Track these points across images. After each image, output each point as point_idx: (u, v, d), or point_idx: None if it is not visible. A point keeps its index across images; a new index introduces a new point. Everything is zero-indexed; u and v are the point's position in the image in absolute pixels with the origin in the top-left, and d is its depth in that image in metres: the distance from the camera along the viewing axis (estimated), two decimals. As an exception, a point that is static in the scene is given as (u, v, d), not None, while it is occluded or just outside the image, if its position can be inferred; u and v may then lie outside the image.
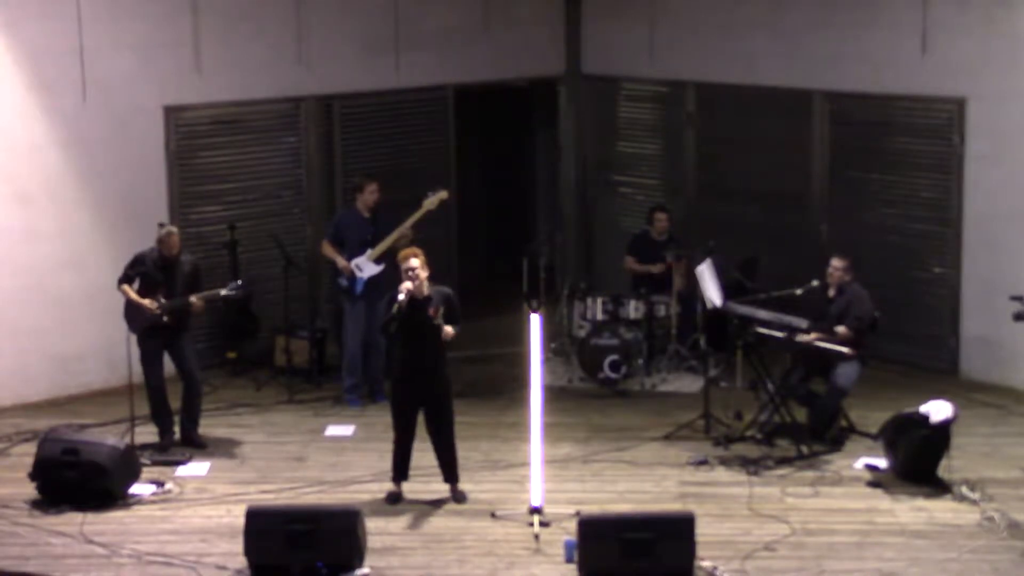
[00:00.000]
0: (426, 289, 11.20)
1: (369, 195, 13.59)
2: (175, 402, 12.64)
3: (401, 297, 11.10)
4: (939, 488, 11.43)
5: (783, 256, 15.05)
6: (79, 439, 11.58)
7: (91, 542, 10.66)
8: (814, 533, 10.74)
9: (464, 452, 11.74)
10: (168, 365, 12.62)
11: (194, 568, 10.23)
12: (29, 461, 11.55)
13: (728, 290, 13.31)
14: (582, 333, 14.43)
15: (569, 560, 10.22)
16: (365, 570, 10.15)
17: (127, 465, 11.49)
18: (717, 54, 15.65)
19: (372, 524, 10.66)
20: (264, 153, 14.97)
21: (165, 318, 12.33)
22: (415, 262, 11.21)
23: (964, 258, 14.07)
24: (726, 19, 15.55)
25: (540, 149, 18.06)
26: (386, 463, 11.48)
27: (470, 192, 16.72)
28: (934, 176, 14.21)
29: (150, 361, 12.47)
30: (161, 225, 12.63)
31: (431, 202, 13.47)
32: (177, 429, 12.63)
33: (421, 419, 11.39)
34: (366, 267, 13.49)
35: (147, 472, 11.82)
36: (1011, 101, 13.54)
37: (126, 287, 12.43)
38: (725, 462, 12.09)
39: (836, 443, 12.41)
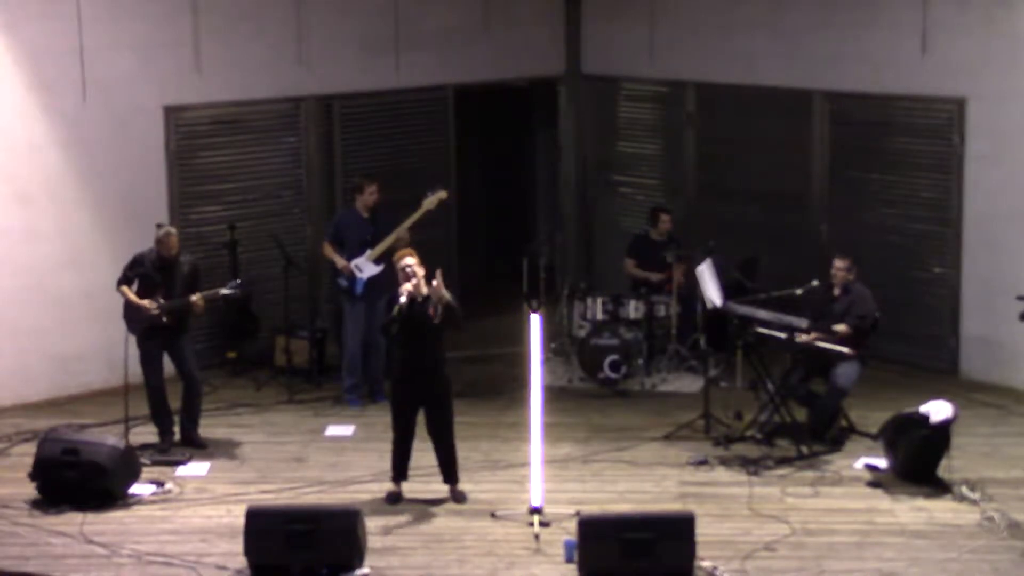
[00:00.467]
0: (424, 288, 11.21)
1: (369, 196, 13.59)
2: (175, 402, 12.64)
3: (403, 299, 11.11)
4: (939, 488, 11.43)
5: (783, 256, 15.05)
6: (79, 439, 11.57)
7: (91, 542, 10.66)
8: (814, 533, 10.74)
9: (464, 452, 11.75)
10: (168, 366, 12.62)
11: (194, 568, 10.23)
12: (29, 461, 11.55)
13: (728, 290, 13.31)
14: (582, 333, 14.43)
15: (569, 560, 10.22)
16: (365, 570, 10.15)
17: (127, 465, 11.49)
18: (717, 54, 15.65)
19: (372, 524, 10.66)
20: (264, 153, 14.97)
21: (164, 319, 12.33)
22: (411, 260, 11.23)
23: (964, 258, 14.07)
24: (726, 19, 15.56)
25: (540, 149, 18.06)
26: (386, 463, 11.48)
27: (470, 192, 16.73)
28: (934, 176, 14.22)
29: (150, 362, 12.46)
30: (159, 226, 12.62)
31: (430, 202, 13.47)
32: (177, 429, 12.63)
33: (421, 419, 11.39)
34: (366, 267, 13.50)
35: (147, 472, 11.82)
36: (1011, 101, 13.54)
37: (125, 288, 12.43)
38: (725, 462, 12.09)
39: (836, 443, 12.41)
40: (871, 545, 10.53)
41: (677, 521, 10.09)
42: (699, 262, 13.26)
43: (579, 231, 17.32)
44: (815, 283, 12.75)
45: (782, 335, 12.49)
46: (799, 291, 12.84)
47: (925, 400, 11.72)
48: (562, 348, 14.92)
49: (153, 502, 11.41)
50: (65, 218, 13.85)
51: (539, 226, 17.93)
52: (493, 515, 11.05)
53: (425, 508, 11.26)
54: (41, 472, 11.38)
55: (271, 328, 14.76)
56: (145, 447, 12.31)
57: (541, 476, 10.95)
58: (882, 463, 11.87)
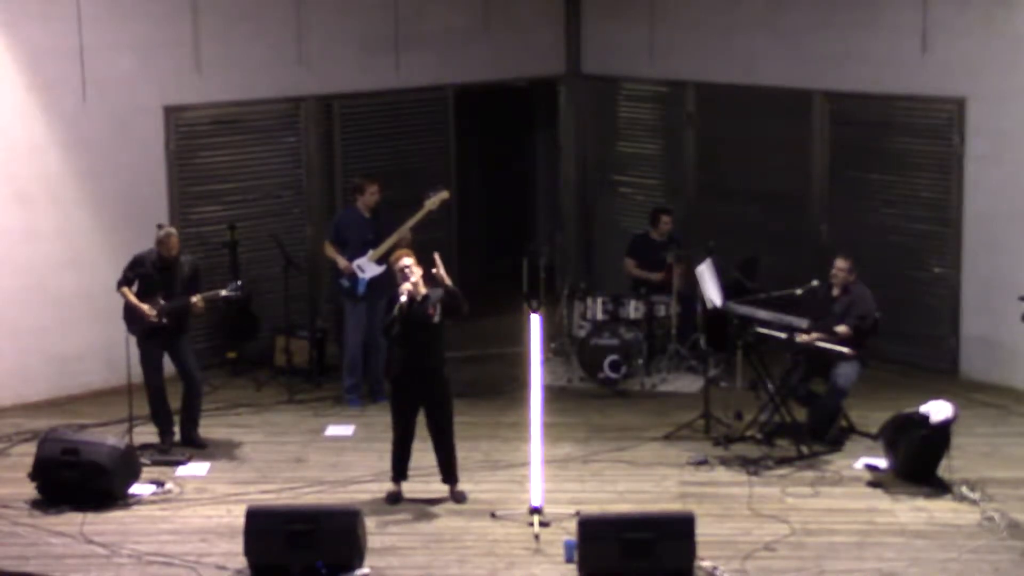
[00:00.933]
0: (423, 288, 11.21)
1: (370, 196, 13.59)
2: (175, 403, 12.64)
3: (403, 299, 11.11)
4: (939, 488, 11.43)
5: (783, 256, 15.05)
6: (79, 439, 11.58)
7: (91, 542, 10.66)
8: (814, 533, 10.74)
9: (464, 452, 11.75)
10: (168, 366, 12.62)
11: (194, 568, 10.23)
12: (29, 461, 11.55)
13: (728, 290, 13.31)
14: (582, 333, 14.43)
15: (569, 560, 10.22)
16: (365, 570, 10.15)
17: (127, 465, 11.49)
18: (717, 54, 15.65)
19: (372, 524, 10.66)
20: (264, 153, 14.97)
21: (164, 320, 12.33)
22: (408, 260, 11.25)
23: (964, 258, 14.07)
24: (726, 19, 15.55)
25: (540, 149, 18.07)
26: (386, 463, 11.48)
27: (470, 192, 16.72)
28: (934, 176, 14.21)
29: (150, 362, 12.46)
30: (160, 226, 12.62)
31: (432, 202, 13.47)
32: (177, 429, 12.63)
33: (421, 419, 11.39)
34: (368, 268, 13.49)
35: (147, 472, 11.82)
36: (1011, 101, 13.54)
37: (125, 289, 12.42)
38: (725, 462, 12.09)
39: (836, 443, 12.41)
40: (871, 545, 10.53)
41: (677, 521, 10.09)
42: (699, 262, 13.26)
43: (579, 231, 17.31)
44: (815, 283, 12.75)
45: (782, 335, 12.49)
46: (799, 291, 12.84)
47: (925, 400, 11.72)
48: (562, 348, 14.92)
49: (153, 502, 11.41)
50: (65, 218, 13.85)
51: (539, 226, 17.93)
52: (493, 515, 11.05)
53: (425, 508, 11.26)
54: (41, 472, 11.38)
55: (271, 328, 14.76)
56: (145, 447, 12.31)
57: (541, 476, 10.95)
58: (882, 463, 11.87)
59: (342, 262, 13.53)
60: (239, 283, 12.83)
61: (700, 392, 13.27)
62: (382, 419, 12.29)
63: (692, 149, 16.16)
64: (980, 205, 13.90)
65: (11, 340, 13.63)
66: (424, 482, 11.51)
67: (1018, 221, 13.62)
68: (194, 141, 14.51)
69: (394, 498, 11.37)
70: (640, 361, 14.18)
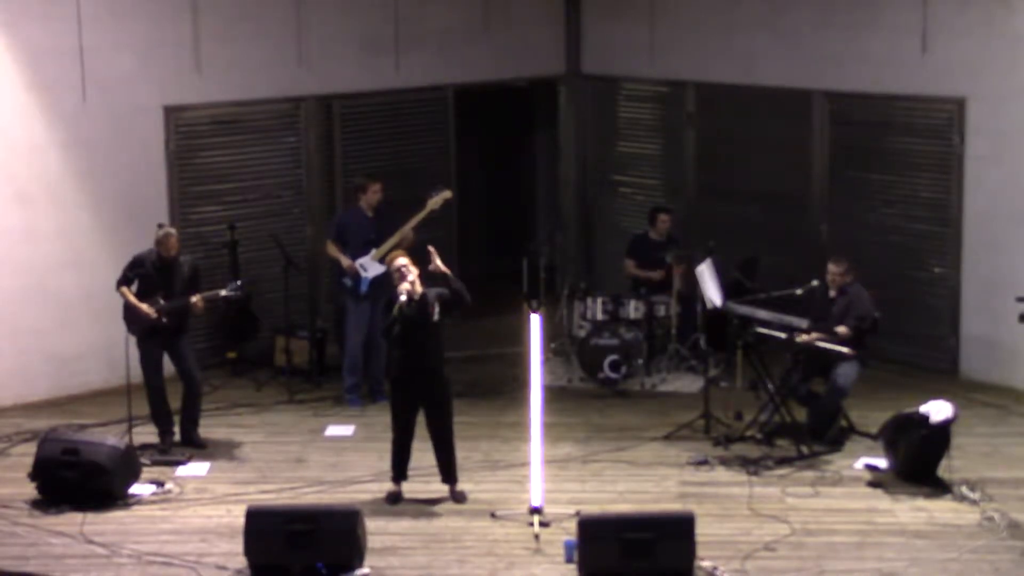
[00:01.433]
0: (420, 287, 11.22)
1: (372, 195, 13.59)
2: (175, 403, 12.64)
3: (402, 299, 11.11)
4: (939, 488, 11.43)
5: (783, 256, 15.05)
6: (79, 439, 11.58)
7: (91, 542, 10.66)
8: (814, 533, 10.74)
9: (464, 452, 11.75)
10: (168, 366, 12.62)
11: (194, 568, 10.23)
12: (29, 461, 11.54)
13: (728, 290, 13.31)
14: (582, 333, 14.43)
15: (569, 560, 10.22)
16: (365, 570, 10.15)
17: (127, 465, 11.49)
18: (717, 54, 15.65)
19: (372, 524, 10.65)
20: (264, 153, 14.97)
21: (164, 319, 12.33)
22: (404, 260, 11.25)
23: (964, 258, 14.06)
24: (726, 19, 15.56)
25: (540, 149, 18.07)
26: (386, 463, 11.47)
27: (470, 192, 16.72)
28: (934, 176, 14.21)
29: (150, 362, 12.46)
30: (160, 226, 12.62)
31: (435, 202, 13.47)
32: (177, 430, 12.63)
33: (421, 419, 11.39)
34: (370, 267, 13.49)
35: (147, 472, 11.82)
36: (1011, 101, 13.54)
37: (124, 289, 12.42)
38: (725, 462, 12.08)
39: (836, 443, 12.41)
40: (871, 545, 10.53)
41: (677, 521, 10.08)
42: (699, 262, 13.26)
43: (579, 231, 17.32)
44: (815, 283, 12.75)
45: (782, 335, 12.49)
46: (799, 291, 12.84)
47: (925, 400, 11.72)
48: (562, 348, 14.92)
49: (153, 502, 11.41)
50: (65, 218, 13.85)
51: (539, 226, 17.93)
52: (493, 515, 11.05)
53: (425, 508, 11.26)
54: (41, 472, 11.38)
55: (271, 328, 14.76)
56: (145, 447, 12.31)
57: (541, 476, 10.95)
58: (882, 463, 11.87)
59: (345, 261, 13.53)
60: (239, 283, 12.83)
61: (700, 392, 13.27)
62: (382, 419, 12.28)
63: (692, 149, 16.17)
64: (980, 205, 13.90)
65: (11, 340, 13.63)
66: (424, 482, 11.51)
67: (1018, 221, 13.62)
68: (194, 141, 14.51)
69: (394, 498, 11.37)
70: (640, 361, 14.18)
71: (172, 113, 14.32)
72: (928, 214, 14.28)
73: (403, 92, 15.71)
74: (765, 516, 11.04)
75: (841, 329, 12.39)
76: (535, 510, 10.88)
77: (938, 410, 11.49)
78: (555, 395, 13.64)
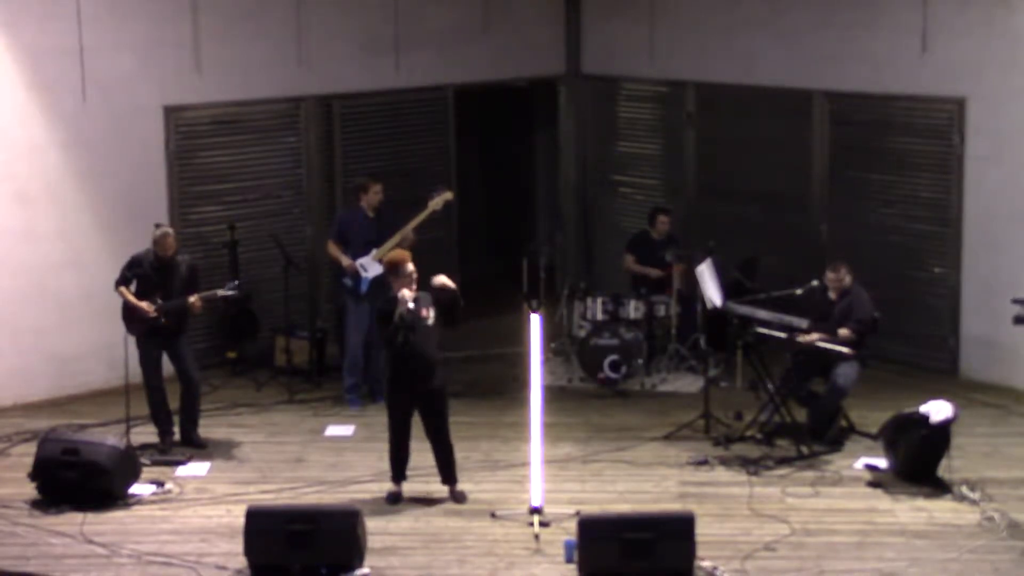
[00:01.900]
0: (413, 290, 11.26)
1: (373, 195, 13.59)
2: (174, 403, 12.64)
3: (411, 305, 11.09)
4: (939, 488, 11.43)
5: (783, 256, 15.05)
6: (79, 439, 11.58)
7: (91, 542, 10.66)
8: (814, 533, 10.74)
9: (464, 452, 11.75)
10: (168, 366, 12.61)
11: (194, 568, 10.23)
12: (29, 461, 11.54)
13: (728, 290, 13.31)
14: (582, 333, 14.43)
15: (569, 560, 10.22)
16: (365, 570, 10.15)
17: (127, 465, 11.49)
18: (717, 54, 15.65)
19: (372, 524, 10.65)
20: (264, 153, 14.97)
21: (163, 319, 12.33)
22: (412, 266, 11.25)
23: (964, 258, 14.06)
24: (726, 19, 15.56)
25: (540, 149, 18.07)
26: (386, 463, 11.47)
27: (470, 192, 16.72)
28: (934, 176, 14.21)
29: (149, 362, 12.46)
30: (157, 226, 12.62)
31: (436, 202, 13.47)
32: (176, 429, 12.63)
33: (417, 419, 11.39)
34: (371, 267, 13.49)
35: (147, 472, 11.82)
36: (1011, 101, 13.53)
37: (123, 289, 12.42)
38: (725, 462, 12.08)
39: (836, 443, 12.41)
40: (871, 545, 10.53)
41: (677, 521, 10.08)
42: (699, 262, 13.26)
43: (579, 231, 17.32)
44: (815, 283, 12.75)
45: (782, 335, 12.49)
46: (799, 291, 12.84)
47: (925, 400, 11.72)
48: (562, 348, 14.92)
49: (153, 502, 11.41)
50: (65, 218, 13.85)
51: (539, 226, 17.93)
52: (493, 515, 11.05)
53: (425, 508, 11.26)
54: (41, 472, 11.38)
55: (271, 328, 14.77)
56: (145, 447, 12.31)
57: (541, 476, 10.95)
58: (882, 463, 11.87)
59: (345, 261, 13.53)
60: (236, 282, 12.83)
61: (700, 392, 13.27)
62: (382, 419, 12.26)
63: (692, 149, 16.17)
64: (980, 205, 13.90)
65: (11, 340, 13.63)
66: (424, 482, 11.51)
67: (1018, 221, 13.62)
68: (194, 141, 14.51)
69: (394, 498, 11.37)
70: (640, 361, 14.18)
71: (172, 113, 14.32)
72: (928, 214, 14.28)
73: (403, 92, 15.71)
74: (765, 516, 11.04)
75: (843, 331, 12.39)
76: (535, 510, 10.88)
77: (938, 410, 11.49)
78: (555, 395, 13.64)
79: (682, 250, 14.66)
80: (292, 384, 14.21)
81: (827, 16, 14.74)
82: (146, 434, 12.57)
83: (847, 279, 12.57)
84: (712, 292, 12.96)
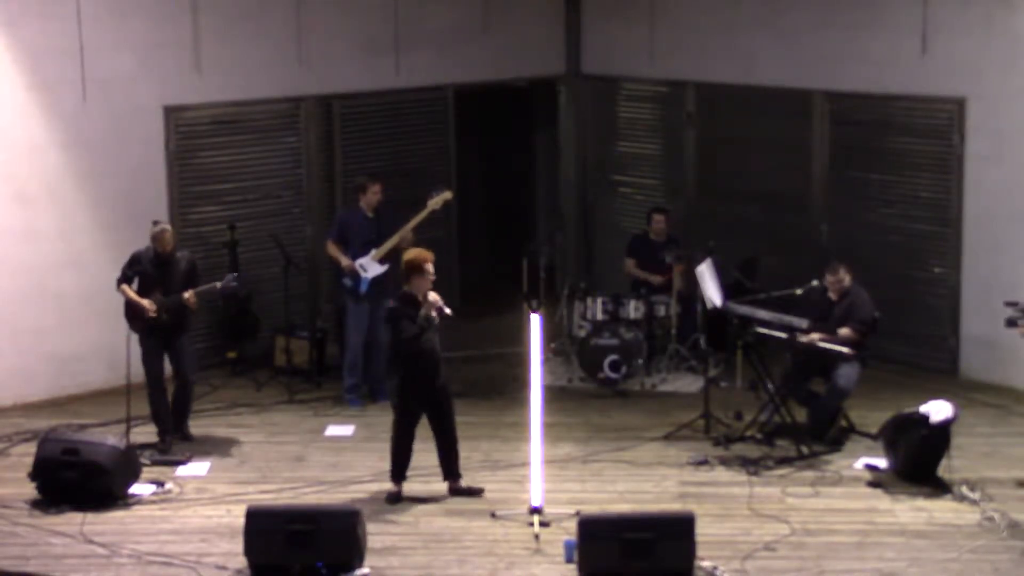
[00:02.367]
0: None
1: (372, 195, 13.59)
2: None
3: (446, 311, 11.13)
4: (939, 488, 11.43)
5: (783, 256, 15.05)
6: (79, 439, 11.58)
7: (91, 542, 10.66)
8: (814, 533, 10.74)
9: (464, 452, 11.74)
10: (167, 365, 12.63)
11: (194, 568, 10.23)
12: (29, 461, 11.54)
13: (728, 290, 13.31)
14: (582, 333, 14.43)
15: (569, 560, 10.22)
16: (365, 570, 10.15)
17: (127, 465, 11.49)
18: (717, 54, 15.65)
19: (372, 524, 10.65)
20: (264, 153, 14.97)
21: (164, 315, 12.33)
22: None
23: (964, 258, 14.06)
24: (726, 19, 15.55)
25: (540, 149, 18.06)
26: (386, 463, 11.47)
27: (470, 192, 16.72)
28: (934, 176, 14.21)
29: (151, 360, 12.46)
30: (155, 223, 12.63)
31: (435, 202, 13.47)
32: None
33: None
34: (370, 267, 13.49)
35: (147, 472, 11.82)
36: (1011, 101, 13.54)
37: (125, 287, 12.43)
38: (725, 462, 12.08)
39: (836, 443, 12.41)
40: (871, 545, 10.53)
41: (677, 521, 10.08)
42: (699, 262, 13.26)
43: (579, 231, 17.32)
44: (815, 283, 12.75)
45: (782, 335, 12.49)
46: (799, 291, 12.85)
47: (925, 400, 11.72)
48: (562, 348, 14.92)
49: (153, 502, 11.41)
50: (65, 218, 13.85)
51: (539, 226, 17.93)
52: (493, 515, 11.05)
53: (425, 508, 11.26)
54: (41, 472, 11.38)
55: (271, 328, 14.76)
56: (145, 447, 12.31)
57: (541, 476, 10.95)
58: (882, 463, 11.87)
59: (345, 261, 13.53)
60: (234, 275, 12.83)
61: (700, 392, 13.27)
62: (382, 419, 12.29)
63: (692, 149, 16.16)
64: (980, 205, 13.90)
65: (11, 340, 13.63)
66: (424, 482, 11.51)
67: (1018, 221, 13.62)
68: (194, 141, 14.51)
69: (394, 498, 11.36)
70: (640, 361, 14.18)
71: (172, 113, 14.31)
72: (928, 214, 14.28)
73: (403, 92, 15.71)
74: (765, 516, 11.04)
75: (844, 332, 12.39)
76: (535, 510, 10.88)
77: (938, 410, 11.49)
78: (555, 395, 13.64)
79: (682, 250, 14.66)
80: (292, 384, 14.21)
81: (827, 16, 14.74)
82: (146, 434, 12.57)
83: (847, 280, 12.57)
84: (712, 292, 12.96)
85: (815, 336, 12.42)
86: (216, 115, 14.63)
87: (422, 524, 11.00)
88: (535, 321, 10.99)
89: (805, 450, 12.16)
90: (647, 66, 16.31)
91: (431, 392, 11.29)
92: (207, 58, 14.40)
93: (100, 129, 13.90)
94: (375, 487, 11.59)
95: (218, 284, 12.57)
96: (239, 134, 14.80)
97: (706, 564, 10.12)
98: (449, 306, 11.30)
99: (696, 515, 10.13)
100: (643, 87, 16.55)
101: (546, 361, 14.13)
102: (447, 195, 13.54)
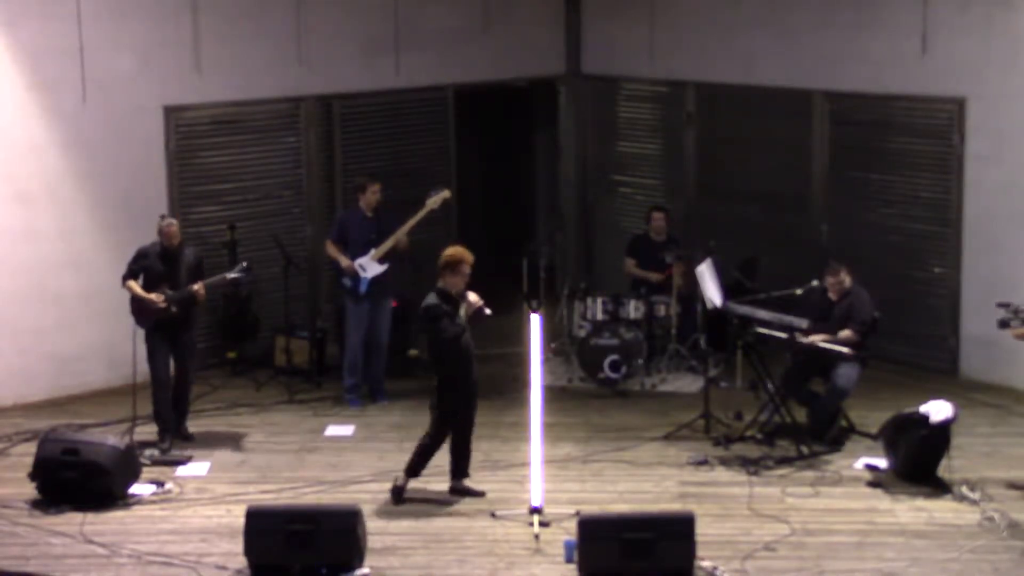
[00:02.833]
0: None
1: (372, 195, 13.59)
2: (173, 401, 12.68)
3: (487, 311, 11.18)
4: (939, 488, 11.43)
5: (783, 256, 15.05)
6: (79, 439, 11.57)
7: (91, 542, 10.66)
8: (814, 533, 10.74)
9: (465, 452, 11.76)
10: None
11: (194, 568, 10.23)
12: (29, 461, 11.54)
13: (728, 290, 13.31)
14: (582, 333, 14.43)
15: (569, 560, 10.22)
16: (365, 570, 10.15)
17: (127, 465, 11.49)
18: (717, 54, 15.65)
19: (372, 524, 10.66)
20: (264, 153, 14.97)
21: (173, 309, 12.32)
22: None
23: (964, 258, 14.06)
24: (726, 19, 15.56)
25: (540, 149, 18.06)
26: (386, 463, 11.49)
27: (470, 192, 16.72)
28: (934, 176, 14.21)
29: (157, 356, 12.44)
30: (162, 217, 12.67)
31: (434, 201, 13.48)
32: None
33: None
34: (370, 267, 13.49)
35: (147, 472, 11.82)
36: (1011, 101, 13.54)
37: (131, 283, 12.42)
38: (725, 462, 12.09)
39: (836, 443, 12.41)
40: (871, 545, 10.53)
41: (677, 521, 10.08)
42: (699, 262, 13.26)
43: (579, 231, 17.32)
44: (815, 283, 12.75)
45: (782, 335, 12.49)
46: (799, 291, 12.85)
47: (925, 400, 11.72)
48: (562, 348, 14.92)
49: (153, 502, 11.41)
50: (65, 218, 13.85)
51: (539, 226, 17.93)
52: (493, 515, 11.05)
53: (425, 508, 11.26)
54: (41, 472, 11.38)
55: (271, 328, 14.76)
56: (145, 445, 12.31)
57: (541, 476, 10.95)
58: (882, 463, 11.87)
59: (344, 261, 13.53)
60: (245, 264, 12.81)
61: (700, 392, 13.27)
62: (382, 419, 12.31)
63: (692, 149, 16.16)
64: (980, 205, 13.90)
65: (11, 340, 13.63)
66: (424, 482, 11.51)
67: (1018, 221, 13.63)
68: (194, 141, 14.51)
69: (399, 493, 11.30)
70: (640, 361, 14.18)
71: (172, 113, 14.32)
72: (928, 214, 14.28)
73: (403, 92, 15.71)
74: (765, 516, 11.04)
75: (845, 332, 12.39)
76: (535, 510, 10.88)
77: (938, 410, 11.49)
78: (555, 395, 13.64)
79: (682, 250, 14.66)
80: (292, 384, 14.21)
81: (827, 16, 14.74)
82: (147, 433, 12.56)
83: (847, 280, 12.57)
84: (712, 292, 12.96)
85: (815, 336, 12.41)
86: (216, 115, 14.63)
87: (422, 524, 11.00)
88: (535, 321, 11.00)
89: (805, 450, 12.16)
90: (647, 66, 16.31)
91: (472, 389, 11.29)
92: (207, 58, 14.40)
93: (100, 129, 13.90)
94: (375, 487, 11.58)
95: (228, 275, 12.58)
96: (239, 134, 14.80)
97: (706, 564, 10.12)
98: (488, 306, 11.30)
99: (696, 515, 10.12)
100: (643, 87, 16.55)
101: (546, 361, 14.14)
102: (446, 194, 13.54)
